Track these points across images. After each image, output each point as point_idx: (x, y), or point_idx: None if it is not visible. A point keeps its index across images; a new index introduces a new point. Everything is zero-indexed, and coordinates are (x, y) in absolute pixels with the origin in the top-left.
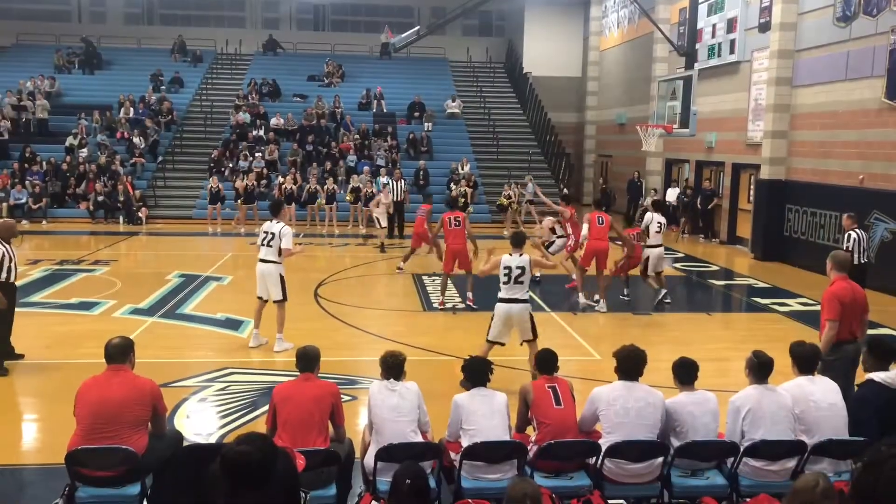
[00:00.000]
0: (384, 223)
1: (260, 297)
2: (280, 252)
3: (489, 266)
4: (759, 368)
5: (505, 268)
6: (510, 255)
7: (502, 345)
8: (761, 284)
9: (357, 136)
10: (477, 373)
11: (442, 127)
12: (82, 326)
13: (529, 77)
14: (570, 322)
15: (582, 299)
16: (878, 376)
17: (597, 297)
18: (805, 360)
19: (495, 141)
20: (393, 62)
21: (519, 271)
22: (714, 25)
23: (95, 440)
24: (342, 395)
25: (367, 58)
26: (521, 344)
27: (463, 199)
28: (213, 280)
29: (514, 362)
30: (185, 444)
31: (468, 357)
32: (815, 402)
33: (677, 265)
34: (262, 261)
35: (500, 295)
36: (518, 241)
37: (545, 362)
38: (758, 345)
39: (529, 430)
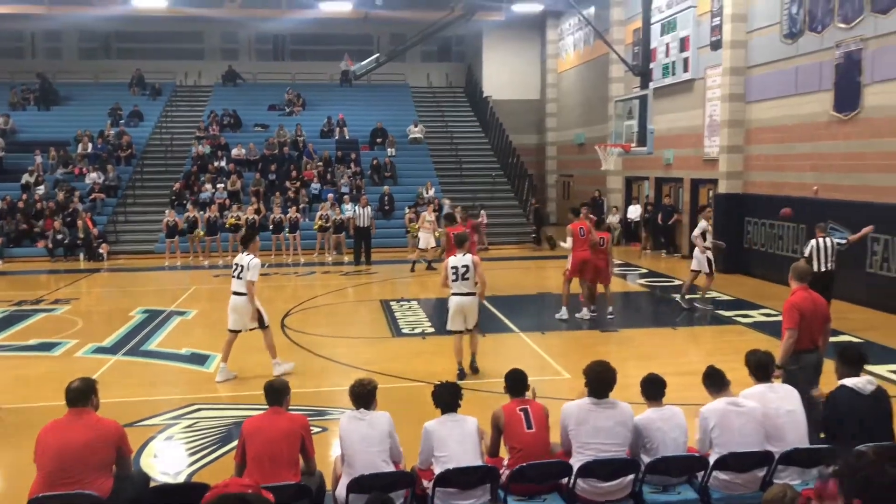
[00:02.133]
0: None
1: (231, 330)
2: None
3: (441, 277)
4: (708, 378)
5: (452, 268)
6: (454, 256)
7: (462, 333)
8: (724, 297)
9: (320, 164)
10: (447, 399)
11: (405, 152)
12: (43, 368)
13: (490, 100)
14: (538, 341)
15: (585, 313)
16: (849, 382)
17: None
18: (760, 367)
19: (459, 164)
20: (354, 89)
21: (464, 269)
22: (667, 45)
23: (58, 486)
24: (312, 427)
25: (327, 86)
26: (465, 331)
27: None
28: (178, 315)
29: (487, 385)
30: (153, 484)
31: (438, 383)
32: (775, 409)
33: (641, 281)
34: (234, 293)
35: (452, 291)
36: (461, 242)
37: (515, 383)
38: (724, 357)
39: (505, 453)
